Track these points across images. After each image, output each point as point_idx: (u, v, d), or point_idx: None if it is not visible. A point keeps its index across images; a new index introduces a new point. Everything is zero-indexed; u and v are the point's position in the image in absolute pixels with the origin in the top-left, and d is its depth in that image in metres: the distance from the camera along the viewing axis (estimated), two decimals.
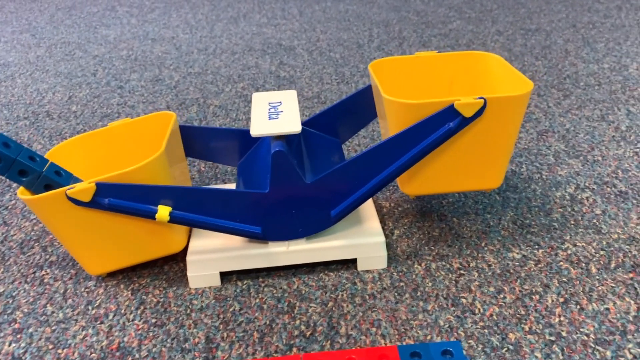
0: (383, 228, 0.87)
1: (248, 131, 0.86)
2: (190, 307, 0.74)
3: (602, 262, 0.78)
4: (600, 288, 0.73)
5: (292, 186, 0.72)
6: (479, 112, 0.70)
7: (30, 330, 0.72)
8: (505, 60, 1.52)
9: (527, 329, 0.68)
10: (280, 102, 0.80)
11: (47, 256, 0.86)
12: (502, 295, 0.73)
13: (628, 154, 1.04)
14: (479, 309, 0.71)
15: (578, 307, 0.71)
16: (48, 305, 0.76)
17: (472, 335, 0.67)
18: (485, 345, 0.66)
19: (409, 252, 0.82)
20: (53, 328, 0.72)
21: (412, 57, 0.87)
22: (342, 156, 0.88)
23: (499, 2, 2.16)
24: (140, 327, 0.71)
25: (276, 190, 0.72)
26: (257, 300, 0.75)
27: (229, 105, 1.35)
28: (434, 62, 0.87)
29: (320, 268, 0.80)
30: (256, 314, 0.72)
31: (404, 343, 0.67)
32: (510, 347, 0.65)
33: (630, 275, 0.75)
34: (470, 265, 0.79)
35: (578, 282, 0.75)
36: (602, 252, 0.80)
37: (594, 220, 0.86)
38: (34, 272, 0.83)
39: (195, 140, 0.88)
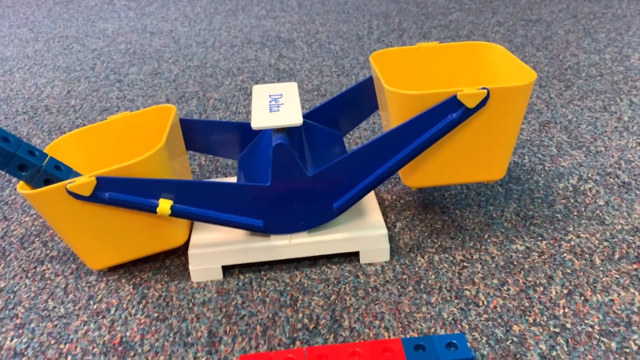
0: (385, 221, 0.86)
1: (248, 124, 0.86)
2: (193, 301, 0.74)
3: (606, 254, 0.77)
4: (604, 279, 0.73)
5: (293, 179, 0.72)
6: (482, 103, 0.70)
7: (32, 325, 0.72)
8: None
9: (531, 321, 0.67)
10: (281, 95, 0.80)
11: (48, 251, 0.86)
12: (505, 287, 0.73)
13: (631, 145, 1.03)
14: (483, 301, 0.71)
15: (582, 298, 0.70)
16: (49, 300, 0.76)
17: (476, 327, 0.67)
18: (489, 338, 0.65)
19: (411, 245, 0.81)
20: (55, 323, 0.72)
21: (414, 48, 0.86)
22: (344, 149, 0.87)
23: None
24: (142, 321, 0.71)
25: (278, 183, 0.72)
26: (260, 294, 0.74)
27: (228, 99, 1.34)
28: (436, 53, 0.87)
29: (323, 261, 0.79)
30: (259, 308, 0.72)
31: (408, 336, 0.66)
32: (515, 339, 0.65)
33: (635, 266, 0.75)
34: (474, 258, 0.78)
35: (582, 274, 0.74)
36: (605, 243, 0.79)
37: (597, 212, 0.86)
38: (35, 267, 0.82)
39: (195, 134, 0.87)
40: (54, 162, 0.74)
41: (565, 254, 0.78)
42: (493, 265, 0.77)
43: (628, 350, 0.63)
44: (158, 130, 0.84)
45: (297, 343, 0.66)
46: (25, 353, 0.68)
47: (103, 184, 0.69)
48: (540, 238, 0.81)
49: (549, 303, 0.70)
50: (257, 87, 0.83)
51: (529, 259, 0.77)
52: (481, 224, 0.85)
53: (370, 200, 0.84)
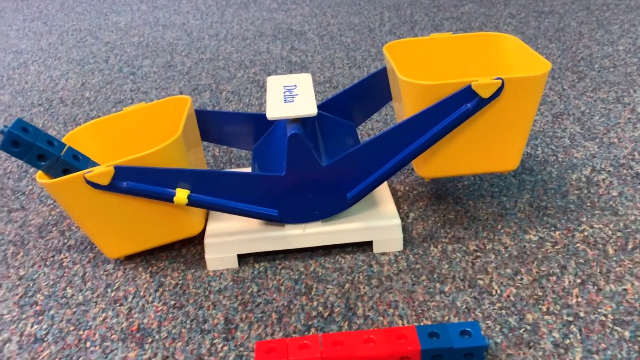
0: (398, 211, 0.87)
1: (262, 115, 0.86)
2: (209, 289, 0.75)
3: (619, 244, 0.78)
4: (617, 269, 0.73)
5: (308, 169, 0.72)
6: (497, 93, 0.70)
7: (52, 312, 0.73)
8: None
9: (544, 310, 0.68)
10: (295, 85, 0.80)
11: (66, 240, 0.87)
12: (519, 277, 0.73)
13: None
14: (496, 290, 0.71)
15: (595, 288, 0.70)
16: (68, 288, 0.77)
17: (489, 316, 0.68)
18: (502, 326, 0.66)
19: (424, 235, 0.82)
20: (73, 310, 0.73)
21: (427, 38, 0.87)
22: (357, 139, 0.87)
23: None
24: (159, 308, 0.72)
25: (292, 173, 0.72)
26: (275, 282, 0.75)
27: (241, 91, 1.35)
28: (450, 44, 0.87)
29: (337, 250, 0.80)
30: (274, 296, 0.73)
31: (422, 324, 0.67)
32: (528, 327, 0.66)
33: None
34: (487, 248, 0.79)
35: (595, 264, 0.74)
36: (619, 234, 0.79)
37: (611, 202, 0.86)
38: (53, 256, 0.84)
39: (210, 125, 0.88)
40: (72, 152, 0.75)
41: (578, 244, 0.78)
42: (506, 255, 0.77)
43: None
44: (174, 121, 0.85)
45: (312, 330, 0.67)
46: (45, 339, 0.69)
47: (121, 173, 0.70)
48: (553, 228, 0.81)
49: (562, 292, 0.70)
50: (272, 78, 0.84)
51: (542, 249, 0.78)
52: (494, 214, 0.85)
53: (383, 190, 0.84)
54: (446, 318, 0.68)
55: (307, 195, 0.75)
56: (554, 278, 0.73)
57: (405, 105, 0.75)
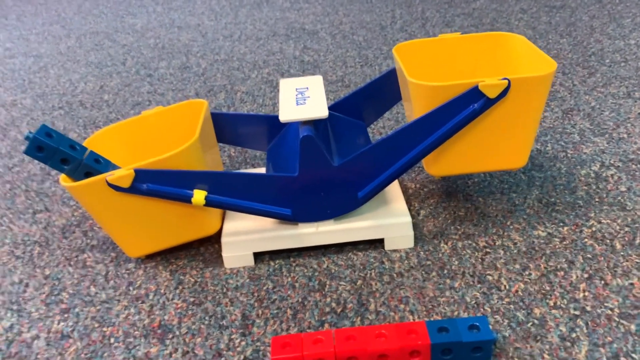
0: (409, 209, 0.89)
1: (276, 117, 0.89)
2: (226, 286, 0.78)
3: (626, 239, 0.79)
4: (624, 264, 0.75)
5: (320, 169, 0.75)
6: (503, 93, 0.72)
7: (77, 310, 0.76)
8: (530, 38, 1.52)
9: (552, 304, 0.70)
10: (307, 88, 0.82)
11: (88, 240, 0.90)
12: (527, 272, 0.75)
13: None
14: (505, 286, 0.73)
15: (602, 282, 0.72)
16: (92, 286, 0.80)
17: (498, 310, 0.70)
18: (511, 320, 0.68)
19: (435, 232, 0.84)
20: (97, 308, 0.76)
21: (436, 39, 0.88)
22: (368, 139, 0.90)
23: None
24: (179, 305, 0.75)
25: (305, 174, 0.75)
26: (289, 279, 0.78)
27: (255, 91, 1.38)
28: (458, 44, 0.89)
29: (349, 248, 0.83)
30: (289, 292, 0.75)
31: (432, 319, 0.69)
32: (536, 321, 0.67)
33: None
34: (496, 244, 0.81)
35: (602, 259, 0.76)
36: (626, 229, 0.81)
37: (619, 198, 0.87)
38: (77, 256, 0.87)
39: (225, 127, 0.91)
40: (94, 156, 0.78)
41: (586, 240, 0.80)
42: (515, 251, 0.79)
43: None
44: (191, 124, 0.88)
45: (326, 325, 0.70)
46: (72, 335, 0.72)
47: (141, 175, 0.73)
48: (561, 224, 0.83)
49: (569, 287, 0.72)
50: (284, 80, 0.86)
51: (551, 245, 0.79)
52: (504, 210, 0.87)
53: (394, 188, 0.86)
54: (456, 313, 0.70)
55: (320, 194, 0.77)
56: (562, 273, 0.74)
57: (414, 105, 0.78)
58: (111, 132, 0.88)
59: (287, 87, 0.84)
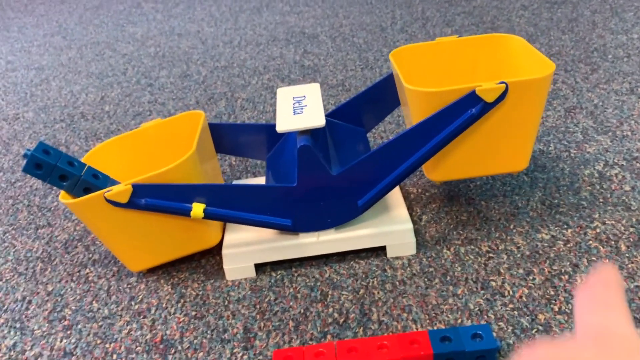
0: (411, 214, 0.88)
1: (274, 125, 0.88)
2: (228, 298, 0.77)
3: (631, 240, 0.78)
4: (630, 266, 0.74)
5: (318, 179, 0.74)
6: (501, 97, 0.71)
7: (79, 326, 0.76)
8: (532, 36, 1.51)
9: (556, 309, 0.69)
10: (305, 96, 0.82)
11: (90, 255, 0.90)
12: (531, 277, 0.74)
13: None
14: (509, 291, 0.72)
15: None
16: (94, 302, 0.80)
17: (502, 317, 0.69)
18: (515, 327, 0.67)
19: (437, 237, 0.83)
20: (100, 324, 0.76)
21: (433, 43, 0.88)
22: (367, 145, 0.89)
23: None
24: (181, 319, 0.75)
25: (304, 184, 0.74)
26: (291, 290, 0.77)
27: (255, 98, 1.37)
28: (456, 47, 0.88)
29: (351, 256, 0.82)
30: (291, 303, 0.75)
31: (435, 327, 0.69)
32: (540, 327, 0.67)
33: None
34: (499, 248, 0.80)
35: (607, 261, 0.75)
36: (631, 230, 0.80)
37: (623, 197, 0.86)
38: (79, 271, 0.87)
39: (224, 137, 0.91)
40: (92, 171, 0.78)
41: (590, 242, 0.79)
42: (519, 255, 0.78)
43: None
44: (189, 136, 0.88)
45: (328, 337, 0.69)
46: (74, 353, 0.72)
47: (139, 190, 0.73)
48: (565, 226, 0.82)
49: (574, 291, 0.71)
50: (282, 90, 0.86)
51: (555, 248, 0.78)
52: (507, 214, 0.86)
53: (395, 195, 0.86)
54: (459, 321, 0.69)
55: (319, 204, 0.77)
56: (566, 277, 0.73)
57: (412, 111, 0.77)
58: (110, 146, 0.88)
59: (285, 95, 0.83)
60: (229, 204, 0.75)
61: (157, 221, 0.76)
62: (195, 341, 0.71)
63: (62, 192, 0.76)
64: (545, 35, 1.53)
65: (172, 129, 0.89)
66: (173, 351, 0.70)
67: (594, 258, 0.76)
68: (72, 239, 0.95)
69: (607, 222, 0.82)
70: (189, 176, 0.75)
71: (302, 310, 0.74)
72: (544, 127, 1.07)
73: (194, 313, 0.76)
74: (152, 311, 0.77)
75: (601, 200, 0.86)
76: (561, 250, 0.78)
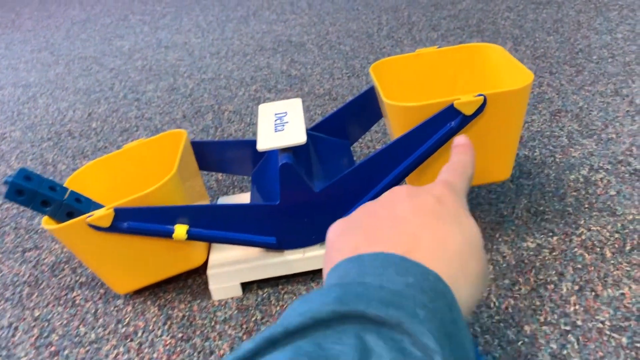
0: None
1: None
2: (215, 319, 0.77)
3: (617, 246, 0.78)
4: (615, 272, 0.74)
5: (301, 196, 0.74)
6: (480, 109, 0.71)
7: (66, 352, 0.76)
8: (517, 38, 1.51)
9: (542, 320, 0.69)
10: (286, 113, 0.82)
11: (77, 277, 0.90)
12: (517, 287, 0.74)
13: None
14: (494, 303, 0.72)
15: (593, 294, 0.71)
16: (81, 326, 0.80)
17: (488, 329, 0.69)
18: (501, 340, 0.67)
19: None
20: (87, 349, 0.76)
21: (413, 55, 0.87)
22: (351, 158, 0.89)
23: None
24: (168, 342, 0.75)
25: (287, 202, 0.74)
26: (278, 308, 0.77)
27: (242, 110, 1.37)
28: (436, 58, 0.88)
29: None
30: None
31: None
32: (526, 339, 0.67)
33: None
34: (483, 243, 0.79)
35: (593, 268, 0.75)
36: (617, 235, 0.80)
37: (609, 202, 0.86)
38: (66, 294, 0.87)
39: (208, 155, 0.90)
40: (75, 195, 0.77)
41: (576, 249, 0.79)
42: (504, 265, 0.78)
43: (639, 344, 0.64)
44: (172, 155, 0.88)
45: None
46: None
47: (121, 214, 0.72)
48: (551, 234, 0.82)
49: (559, 300, 0.71)
50: (263, 106, 0.85)
51: (540, 256, 0.78)
52: (492, 222, 0.86)
53: None
54: None
55: (303, 220, 0.76)
56: (552, 286, 0.73)
57: (392, 125, 0.77)
58: (93, 169, 0.87)
59: (266, 112, 0.83)
60: (212, 224, 0.75)
61: (142, 243, 0.76)
62: None
63: (45, 217, 0.76)
64: (531, 37, 1.53)
65: (154, 148, 0.88)
66: None
67: (579, 266, 0.76)
68: (60, 261, 0.95)
69: (592, 229, 0.82)
70: (171, 197, 0.75)
71: None
72: (529, 132, 1.07)
73: (180, 335, 0.75)
74: (139, 334, 0.77)
75: (586, 205, 0.86)
76: (547, 258, 0.78)
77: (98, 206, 0.79)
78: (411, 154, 0.73)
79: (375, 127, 1.19)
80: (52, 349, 0.77)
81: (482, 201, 0.91)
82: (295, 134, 0.75)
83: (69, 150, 1.32)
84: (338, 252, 0.40)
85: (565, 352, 0.64)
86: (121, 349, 0.75)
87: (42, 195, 0.74)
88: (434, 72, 0.88)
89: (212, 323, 0.76)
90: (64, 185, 0.80)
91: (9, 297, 0.88)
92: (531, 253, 0.79)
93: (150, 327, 0.77)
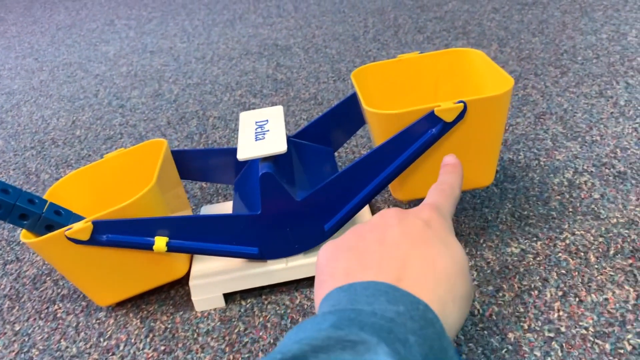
0: None
1: None
2: (197, 331, 0.76)
3: (600, 250, 0.78)
4: (599, 277, 0.73)
5: (283, 205, 0.73)
6: (460, 116, 0.70)
7: None
8: (502, 39, 1.51)
9: (526, 327, 0.68)
10: (267, 121, 0.81)
11: (59, 290, 0.89)
12: (501, 294, 0.74)
13: (627, 131, 1.03)
14: (478, 310, 0.72)
15: (577, 299, 0.71)
16: (62, 340, 0.79)
17: (472, 338, 0.68)
18: (485, 348, 0.67)
19: None
20: None
21: (395, 60, 0.87)
22: (335, 166, 0.88)
23: None
24: (150, 355, 0.74)
25: (268, 211, 0.73)
26: (261, 319, 0.76)
27: (227, 116, 1.36)
28: (417, 64, 0.87)
29: None
30: (260, 333, 0.74)
31: None
32: (510, 347, 0.66)
33: (630, 261, 0.75)
34: (469, 264, 0.79)
35: (577, 273, 0.75)
36: (600, 239, 0.80)
37: (593, 206, 0.86)
38: (47, 308, 0.85)
39: (189, 164, 0.89)
40: (54, 208, 0.76)
41: (560, 254, 0.78)
42: (488, 272, 0.78)
43: (622, 351, 0.63)
44: (152, 165, 0.87)
45: None
46: None
47: (100, 227, 0.71)
48: (535, 239, 0.82)
49: (543, 307, 0.71)
50: (244, 114, 0.85)
51: (524, 262, 0.78)
52: (476, 228, 0.86)
53: (364, 214, 0.85)
54: None
55: (286, 230, 0.76)
56: (536, 292, 0.73)
57: (374, 132, 0.76)
58: (73, 179, 0.86)
59: (247, 120, 0.83)
60: (193, 236, 0.74)
61: (122, 256, 0.75)
62: None
63: (24, 230, 0.75)
64: (516, 38, 1.53)
65: (135, 158, 0.87)
66: None
67: (563, 271, 0.75)
68: (41, 273, 0.93)
69: (576, 233, 0.81)
70: (150, 209, 0.74)
71: (272, 341, 0.73)
72: (513, 135, 1.07)
73: (162, 348, 0.74)
74: (121, 347, 0.76)
75: (570, 209, 0.86)
76: (531, 264, 0.77)
77: (78, 218, 0.78)
78: (393, 162, 0.73)
79: (360, 131, 1.19)
80: None
81: (466, 206, 0.91)
82: (276, 143, 0.74)
83: (52, 159, 1.31)
84: (330, 277, 0.41)
85: (549, 359, 0.64)
86: None
87: (20, 208, 0.73)
88: (416, 78, 0.88)
89: (195, 335, 0.75)
90: (44, 197, 0.79)
91: None
92: (515, 258, 0.79)
93: (132, 340, 0.76)
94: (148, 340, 0.76)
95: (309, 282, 0.81)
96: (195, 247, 0.75)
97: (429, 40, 1.63)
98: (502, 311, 0.71)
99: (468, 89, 0.86)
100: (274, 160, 0.74)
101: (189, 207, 0.92)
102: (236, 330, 0.75)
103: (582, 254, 0.78)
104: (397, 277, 0.38)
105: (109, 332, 0.79)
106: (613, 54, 1.33)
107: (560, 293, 0.72)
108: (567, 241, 0.80)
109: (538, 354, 0.65)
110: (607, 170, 0.93)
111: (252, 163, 0.85)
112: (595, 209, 0.85)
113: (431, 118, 0.70)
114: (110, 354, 0.75)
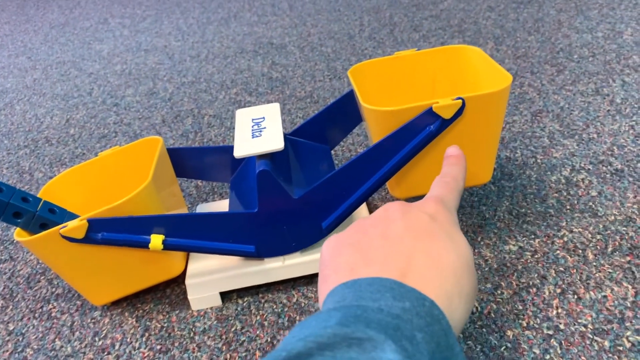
0: None
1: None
2: (194, 330, 0.75)
3: (598, 247, 0.78)
4: (597, 275, 0.73)
5: (280, 203, 0.73)
6: (459, 113, 0.70)
7: None
8: (498, 38, 1.51)
9: (524, 325, 0.68)
10: (264, 118, 0.80)
11: (54, 289, 0.88)
12: (499, 292, 0.73)
13: (623, 128, 1.03)
14: (477, 308, 0.71)
15: (575, 297, 0.71)
16: (57, 339, 0.78)
17: (470, 335, 0.68)
18: (483, 345, 0.66)
19: None
20: None
21: (392, 57, 0.86)
22: (332, 163, 0.88)
23: None
24: (146, 354, 0.73)
25: (265, 209, 0.73)
26: (258, 318, 0.76)
27: (222, 114, 1.36)
28: (414, 61, 0.87)
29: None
30: (257, 332, 0.73)
31: None
32: (509, 344, 0.66)
33: (628, 258, 0.75)
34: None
35: (575, 271, 0.74)
36: (598, 237, 0.79)
37: (590, 203, 0.86)
38: (42, 307, 0.85)
39: (185, 162, 0.89)
40: (48, 206, 0.76)
41: (558, 251, 0.78)
42: (487, 269, 0.77)
43: (621, 348, 0.63)
44: (148, 163, 0.86)
45: None
46: None
47: (95, 225, 0.71)
48: (533, 236, 0.81)
49: (542, 304, 0.70)
50: (240, 111, 0.84)
51: (522, 260, 0.78)
52: (474, 225, 0.85)
53: (361, 212, 0.84)
54: None
55: (282, 228, 0.75)
56: (534, 290, 0.73)
57: (371, 130, 0.76)
58: (68, 177, 0.85)
59: (243, 118, 0.82)
60: (189, 234, 0.74)
61: (117, 254, 0.74)
62: None
63: (18, 229, 0.74)
64: (512, 37, 1.53)
65: (130, 156, 0.87)
66: None
67: (561, 269, 0.75)
68: (35, 272, 0.93)
69: (574, 230, 0.81)
70: (146, 207, 0.73)
71: (269, 339, 0.72)
72: (510, 133, 1.07)
73: (159, 347, 0.74)
74: (116, 347, 0.75)
75: (568, 207, 0.86)
76: (529, 261, 0.77)
77: (73, 216, 0.77)
78: (390, 159, 0.72)
79: (357, 129, 1.18)
80: None
81: (464, 204, 0.90)
82: (273, 140, 0.74)
83: (46, 157, 1.30)
84: (334, 272, 0.40)
85: (548, 356, 0.63)
86: None
87: (13, 206, 0.72)
88: (413, 75, 0.87)
89: (191, 334, 0.75)
90: (38, 195, 0.78)
91: None
92: (513, 256, 0.79)
93: (128, 339, 0.76)
94: (144, 339, 0.75)
95: (306, 280, 0.81)
96: (191, 245, 0.74)
97: (424, 38, 1.63)
98: (501, 309, 0.71)
99: (466, 86, 0.85)
100: (270, 157, 0.74)
101: (184, 205, 0.91)
102: (233, 329, 0.74)
103: (580, 251, 0.77)
104: (402, 272, 0.37)
105: (104, 332, 0.78)
106: (609, 52, 1.33)
107: (558, 290, 0.72)
108: (565, 239, 0.80)
109: (537, 351, 0.64)
110: (604, 168, 0.93)
111: (248, 161, 0.84)
112: (593, 206, 0.85)
113: (429, 115, 0.70)
114: (105, 353, 0.74)
